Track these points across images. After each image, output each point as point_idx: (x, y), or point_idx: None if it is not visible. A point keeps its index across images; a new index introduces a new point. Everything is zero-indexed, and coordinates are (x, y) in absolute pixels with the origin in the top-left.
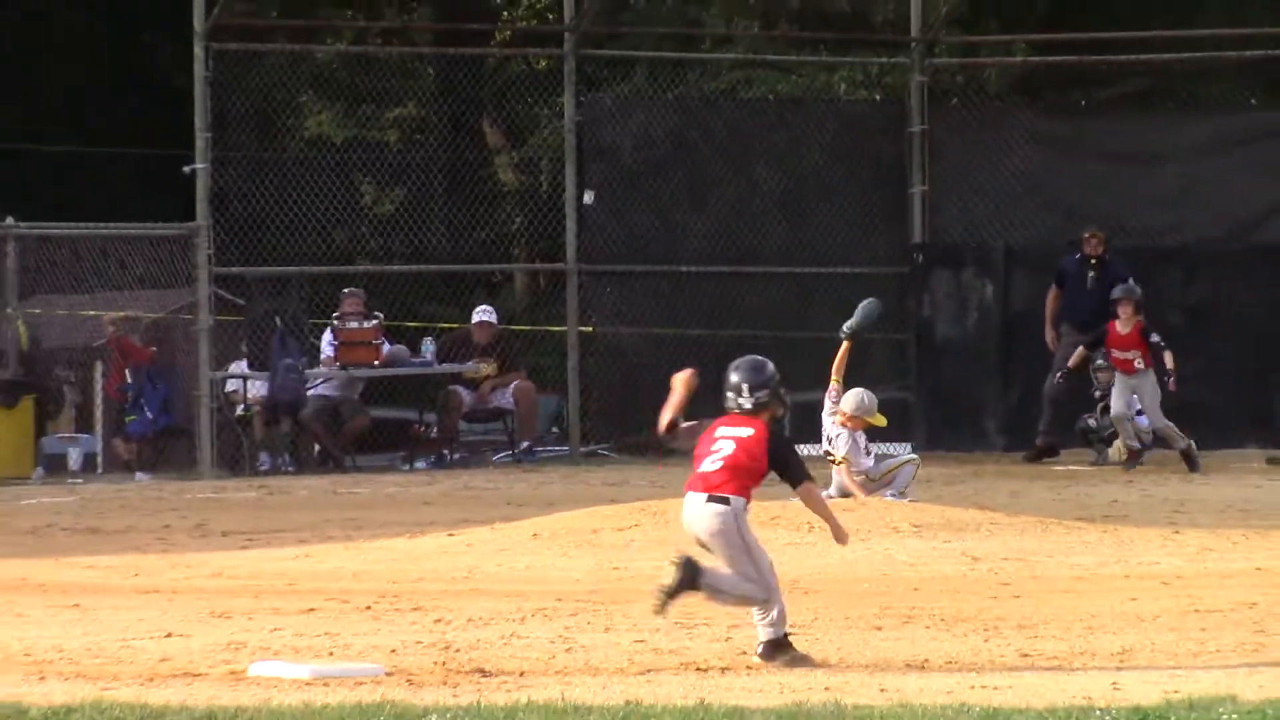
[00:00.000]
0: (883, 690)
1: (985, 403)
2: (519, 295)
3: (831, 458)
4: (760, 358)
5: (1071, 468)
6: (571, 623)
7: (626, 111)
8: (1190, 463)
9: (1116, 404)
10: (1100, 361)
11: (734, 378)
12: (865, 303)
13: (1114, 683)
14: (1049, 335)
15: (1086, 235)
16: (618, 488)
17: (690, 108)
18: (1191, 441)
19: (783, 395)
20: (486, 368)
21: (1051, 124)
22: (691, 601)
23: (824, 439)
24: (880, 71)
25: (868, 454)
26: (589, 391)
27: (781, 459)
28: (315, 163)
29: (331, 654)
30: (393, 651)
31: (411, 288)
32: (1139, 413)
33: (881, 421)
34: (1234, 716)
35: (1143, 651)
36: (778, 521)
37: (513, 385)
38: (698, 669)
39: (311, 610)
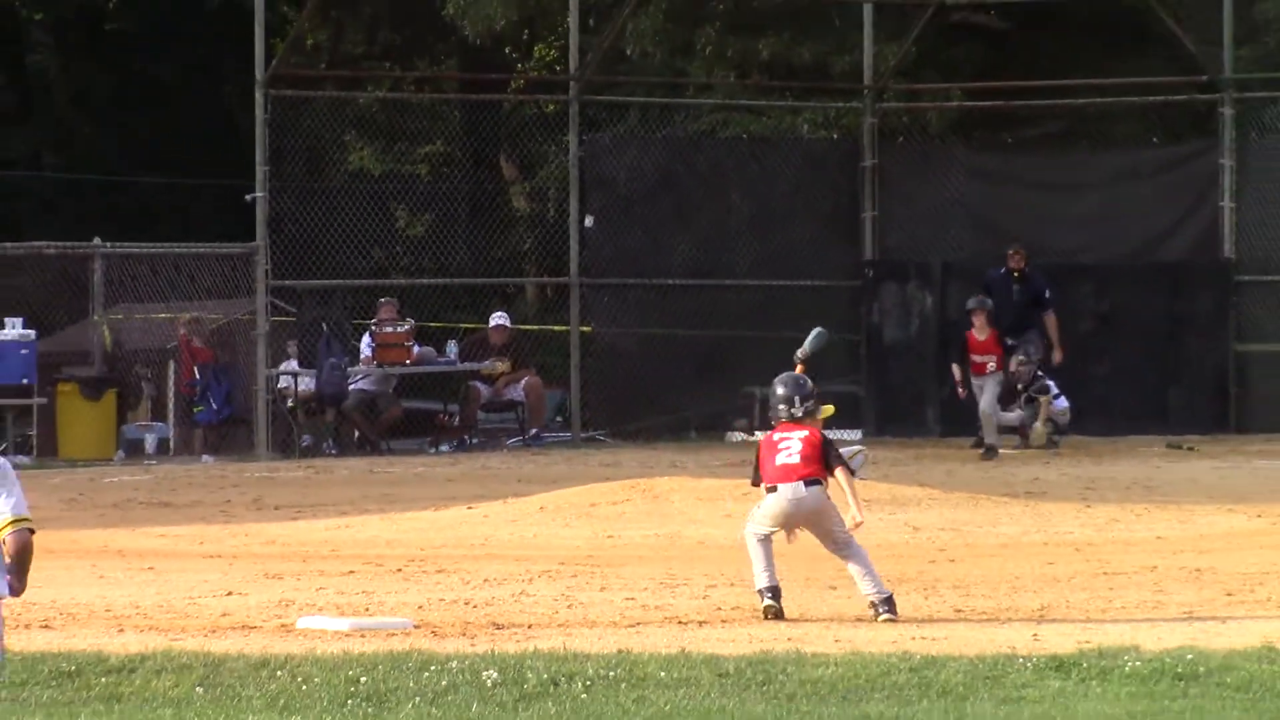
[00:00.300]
0: (837, 641)
1: (925, 396)
2: (529, 304)
3: None
4: (799, 375)
5: (1002, 452)
6: (572, 583)
7: (622, 148)
8: (988, 453)
9: (982, 402)
10: (1020, 357)
11: (782, 391)
12: (816, 331)
13: (1034, 635)
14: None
15: (1011, 251)
16: (612, 468)
17: (676, 145)
18: (997, 443)
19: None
20: (502, 365)
21: (983, 159)
22: (677, 562)
23: None
24: (838, 114)
25: None
26: (589, 386)
27: (826, 452)
28: (357, 192)
29: (368, 610)
30: (420, 608)
31: (438, 298)
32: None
33: (830, 411)
34: (1136, 663)
35: (1059, 608)
36: (749, 496)
37: (524, 381)
38: (680, 622)
39: (351, 572)
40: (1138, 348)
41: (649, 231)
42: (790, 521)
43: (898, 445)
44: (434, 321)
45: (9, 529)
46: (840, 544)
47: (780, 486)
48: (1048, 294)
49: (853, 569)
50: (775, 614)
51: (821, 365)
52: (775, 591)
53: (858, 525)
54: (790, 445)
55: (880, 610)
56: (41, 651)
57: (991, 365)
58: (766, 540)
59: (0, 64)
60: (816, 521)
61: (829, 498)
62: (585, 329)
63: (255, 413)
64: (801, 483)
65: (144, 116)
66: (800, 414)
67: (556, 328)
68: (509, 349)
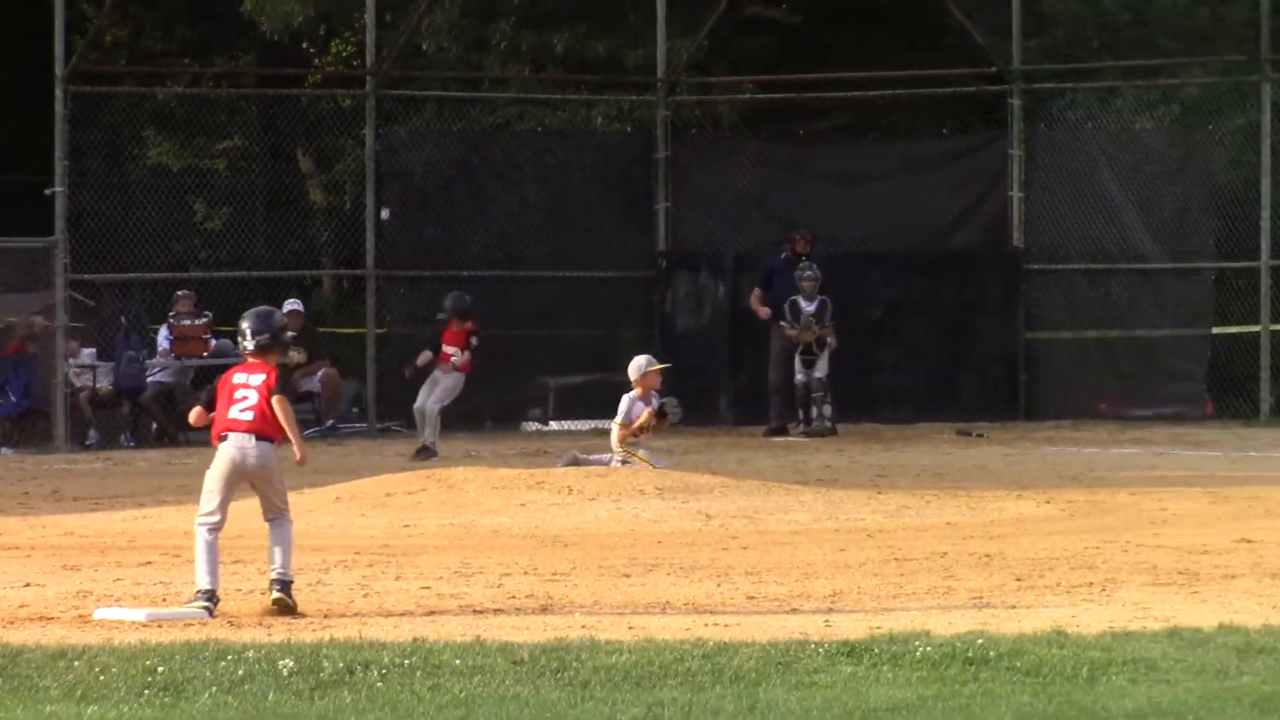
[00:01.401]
0: (631, 628)
1: (718, 384)
2: (326, 296)
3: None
4: (269, 308)
5: (790, 439)
6: (368, 572)
7: (418, 142)
8: (423, 453)
9: (420, 398)
10: (781, 324)
11: (244, 324)
12: (669, 399)
13: (826, 621)
14: (761, 313)
15: (796, 236)
16: (407, 458)
17: (471, 139)
18: (432, 444)
19: (285, 340)
20: (297, 355)
21: (775, 150)
22: (472, 551)
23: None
24: (631, 107)
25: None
26: (384, 377)
27: (275, 389)
28: (156, 186)
29: (165, 600)
30: None
31: (236, 290)
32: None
33: (660, 366)
34: (927, 648)
35: (851, 594)
36: (543, 485)
37: (320, 372)
38: (475, 611)
39: (149, 563)
40: (928, 336)
41: (445, 224)
42: (236, 477)
43: (691, 433)
44: (232, 314)
45: None
46: (276, 511)
47: (230, 435)
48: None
49: (274, 537)
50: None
51: (614, 356)
52: (211, 595)
53: (302, 461)
54: (248, 396)
55: (275, 590)
56: None
57: (457, 359)
58: (214, 538)
59: None
60: (264, 479)
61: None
62: (380, 330)
63: (54, 405)
64: (252, 436)
65: None
66: (252, 347)
67: (352, 322)
68: (304, 338)
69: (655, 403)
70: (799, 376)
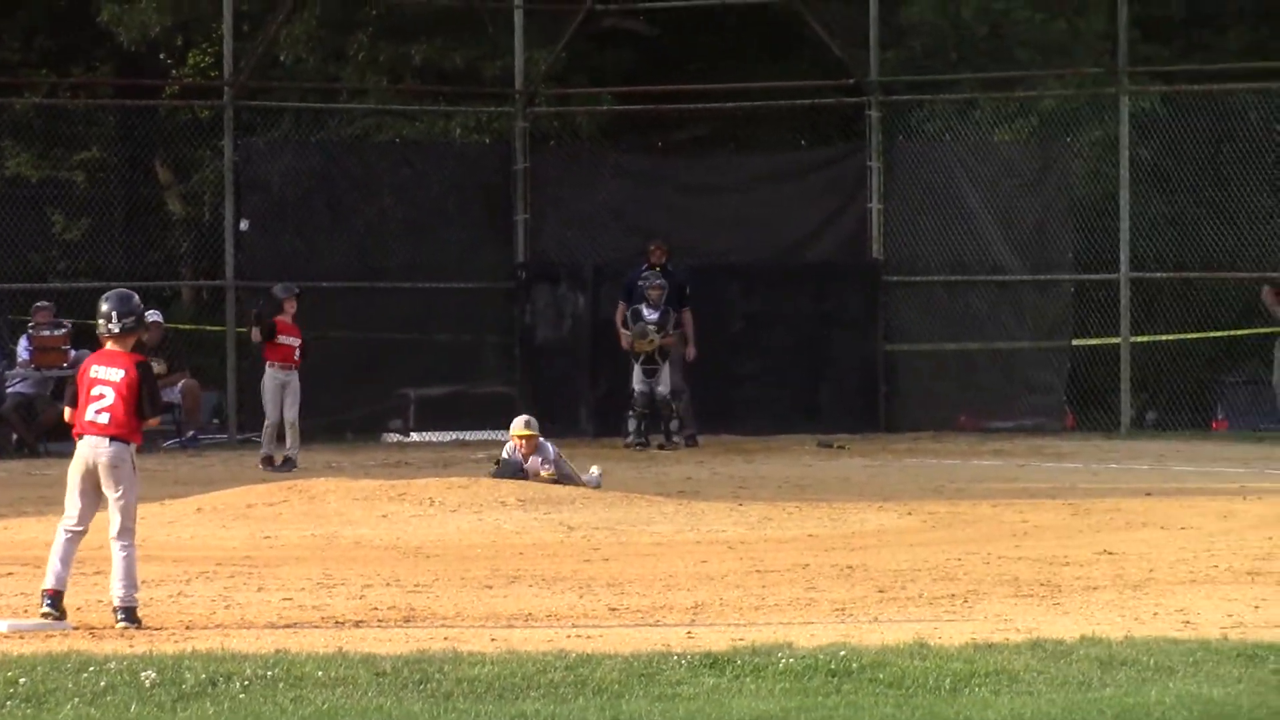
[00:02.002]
0: (493, 639)
1: (578, 395)
2: (185, 306)
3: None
4: (127, 290)
5: (651, 451)
6: (230, 584)
7: (276, 153)
8: (286, 465)
9: (271, 411)
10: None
11: (104, 306)
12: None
13: (689, 633)
14: (624, 341)
15: (652, 246)
16: (263, 469)
17: (330, 149)
18: (293, 455)
19: (146, 322)
20: (159, 366)
21: (633, 161)
22: (334, 563)
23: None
24: (490, 119)
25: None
26: (244, 388)
27: (139, 400)
28: (13, 198)
29: (26, 611)
30: (78, 609)
31: (95, 301)
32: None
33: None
34: (790, 660)
35: (713, 606)
36: (405, 496)
37: (180, 383)
38: (337, 622)
39: (9, 574)
40: (787, 347)
41: (304, 235)
42: (88, 478)
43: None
44: (91, 325)
45: None
46: (122, 529)
47: (86, 437)
48: (688, 290)
49: (116, 553)
50: (56, 618)
51: (475, 367)
52: (54, 596)
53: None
54: (104, 395)
55: (121, 618)
56: None
57: (297, 355)
58: (74, 538)
59: None
60: (113, 483)
61: (134, 461)
62: (240, 330)
63: None
64: (106, 439)
65: None
66: (118, 330)
67: (212, 328)
68: (164, 349)
69: (536, 461)
70: (639, 387)
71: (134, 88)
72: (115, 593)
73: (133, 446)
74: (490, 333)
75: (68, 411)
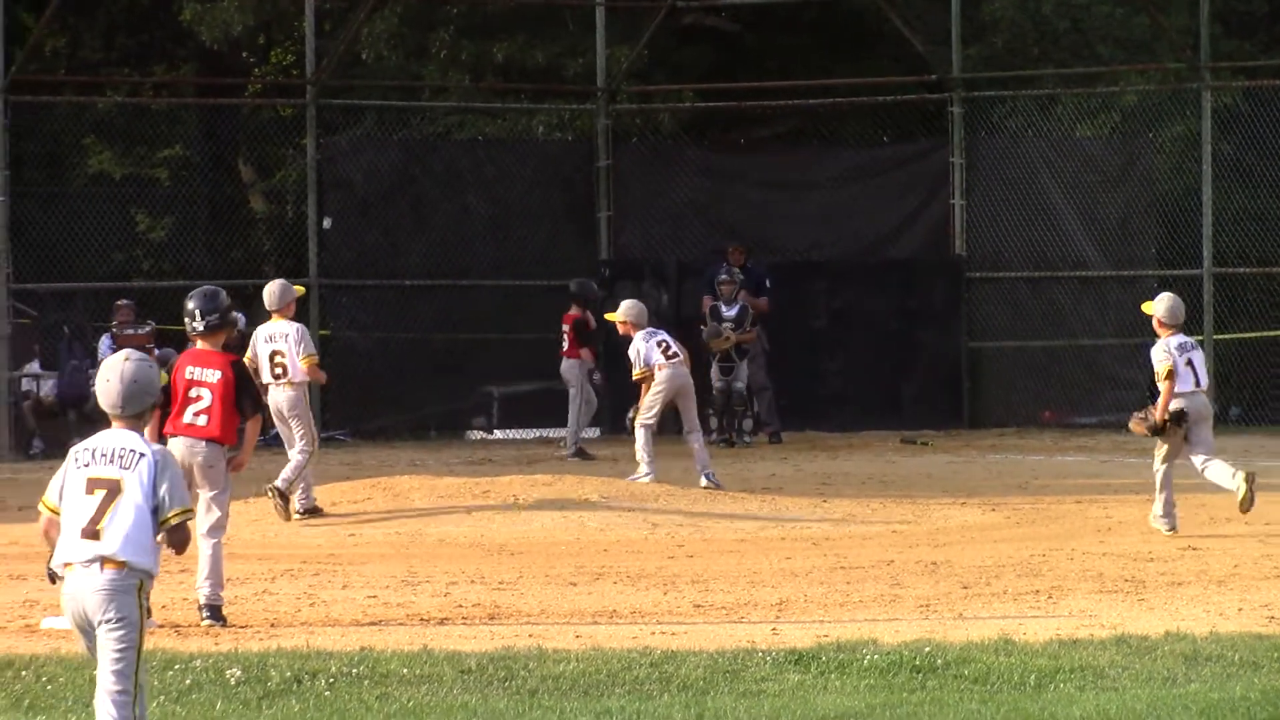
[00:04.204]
0: (578, 636)
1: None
2: None
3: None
4: (215, 287)
5: (737, 447)
6: (315, 581)
7: (359, 151)
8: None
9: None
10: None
11: (190, 304)
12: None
13: (774, 629)
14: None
15: (730, 249)
16: (352, 467)
17: (412, 147)
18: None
19: (233, 319)
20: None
21: (716, 159)
22: (418, 560)
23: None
24: (572, 116)
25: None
26: (329, 386)
27: (240, 398)
28: (97, 196)
29: None
30: (163, 606)
31: (179, 300)
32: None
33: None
34: (875, 656)
35: (798, 602)
36: (489, 494)
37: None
38: (421, 620)
39: None
40: (871, 344)
41: (387, 233)
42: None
43: (633, 442)
44: (174, 324)
45: (176, 518)
46: (213, 524)
47: (179, 437)
48: (767, 283)
49: (204, 549)
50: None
51: (558, 364)
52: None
53: (238, 467)
54: (202, 396)
55: (204, 615)
56: None
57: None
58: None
59: None
60: (204, 481)
61: (227, 459)
62: (324, 331)
63: None
64: (203, 441)
65: None
66: (202, 328)
67: None
68: (244, 348)
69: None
70: (717, 384)
71: (216, 86)
72: (201, 590)
73: (226, 447)
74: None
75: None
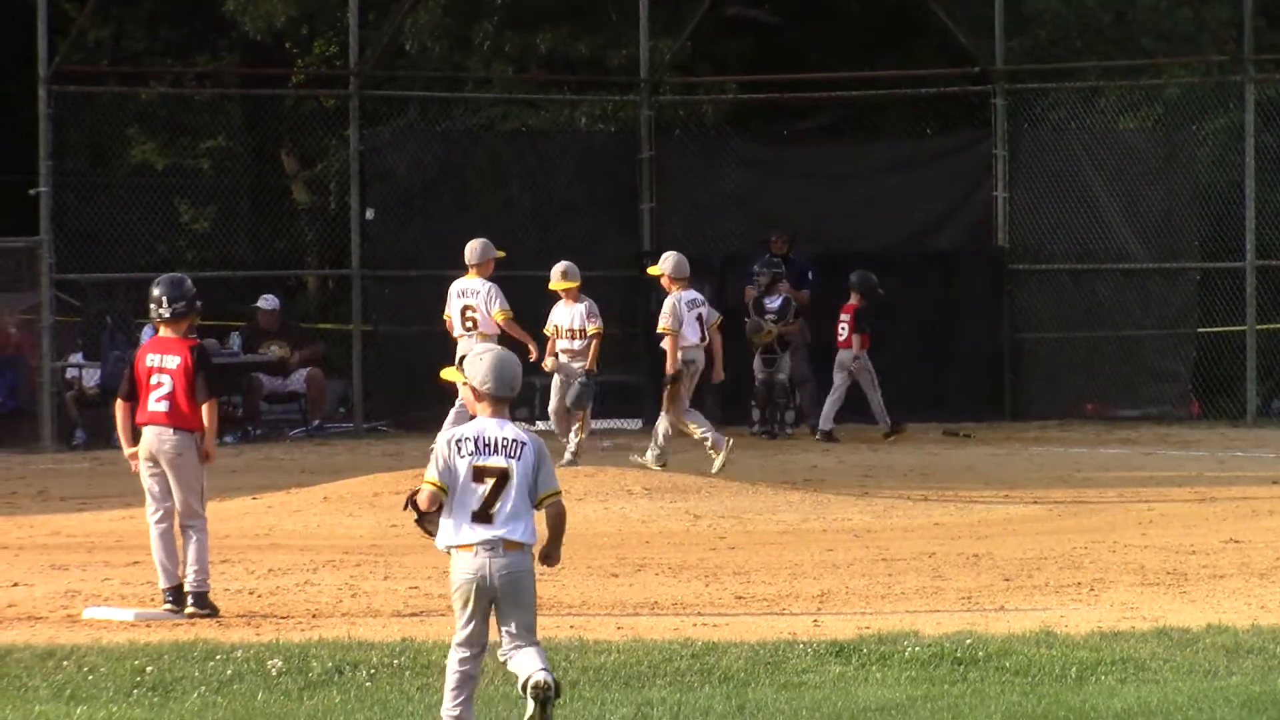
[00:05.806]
0: (619, 628)
1: (702, 384)
2: (311, 296)
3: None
4: (180, 275)
5: (779, 439)
6: (356, 572)
7: (402, 142)
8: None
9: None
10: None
11: (155, 290)
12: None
13: (815, 621)
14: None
15: (772, 238)
16: (394, 458)
17: (455, 138)
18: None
19: (198, 307)
20: (280, 349)
21: (759, 150)
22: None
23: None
24: (615, 107)
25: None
26: (370, 377)
27: (198, 383)
28: (140, 186)
29: (153, 600)
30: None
31: (221, 290)
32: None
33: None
34: (916, 648)
35: (839, 594)
36: None
37: (305, 372)
38: None
39: (136, 563)
40: (913, 336)
41: (430, 224)
42: (154, 467)
43: (676, 434)
44: (217, 315)
45: (551, 499)
46: (190, 515)
47: (145, 429)
48: (810, 275)
49: (191, 543)
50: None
51: (602, 356)
52: (176, 592)
53: (206, 458)
54: (162, 383)
55: (189, 603)
56: None
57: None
58: (164, 529)
59: None
60: (176, 470)
61: (199, 449)
62: (365, 327)
63: (40, 406)
64: (169, 428)
65: None
66: (168, 315)
67: (333, 325)
68: (283, 332)
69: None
70: (759, 375)
71: (259, 77)
72: (187, 578)
73: (196, 435)
74: (615, 321)
75: (118, 403)
